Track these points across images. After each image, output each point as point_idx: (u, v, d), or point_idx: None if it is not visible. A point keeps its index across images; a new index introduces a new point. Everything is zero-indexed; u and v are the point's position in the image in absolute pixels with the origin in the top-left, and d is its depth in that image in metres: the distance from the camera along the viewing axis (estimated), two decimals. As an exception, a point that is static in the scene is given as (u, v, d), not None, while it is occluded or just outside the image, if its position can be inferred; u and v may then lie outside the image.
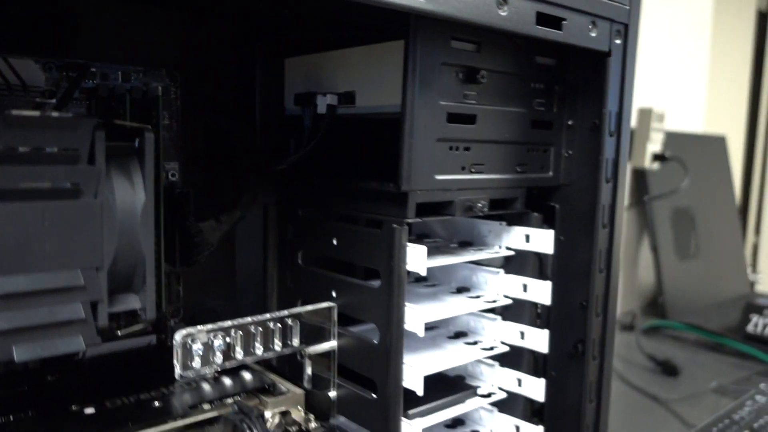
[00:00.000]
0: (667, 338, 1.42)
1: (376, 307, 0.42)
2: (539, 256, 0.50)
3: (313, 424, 0.41)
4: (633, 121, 1.40)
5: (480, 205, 0.44)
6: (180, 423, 0.36)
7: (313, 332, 0.46)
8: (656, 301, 1.51)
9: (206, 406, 0.38)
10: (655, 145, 1.38)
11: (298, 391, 0.42)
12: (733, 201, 1.84)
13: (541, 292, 0.48)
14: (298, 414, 0.41)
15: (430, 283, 0.55)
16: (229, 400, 0.39)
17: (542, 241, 0.48)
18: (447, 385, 0.51)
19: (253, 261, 0.52)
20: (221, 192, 0.48)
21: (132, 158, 0.33)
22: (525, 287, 0.49)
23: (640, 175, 1.54)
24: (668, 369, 1.20)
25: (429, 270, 0.56)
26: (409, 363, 0.41)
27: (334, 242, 0.46)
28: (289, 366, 0.46)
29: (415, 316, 0.40)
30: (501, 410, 0.52)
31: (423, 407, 0.45)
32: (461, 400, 0.49)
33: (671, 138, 1.53)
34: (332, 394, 0.46)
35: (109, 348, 0.44)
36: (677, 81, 1.77)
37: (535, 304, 0.50)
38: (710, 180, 1.76)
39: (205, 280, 0.51)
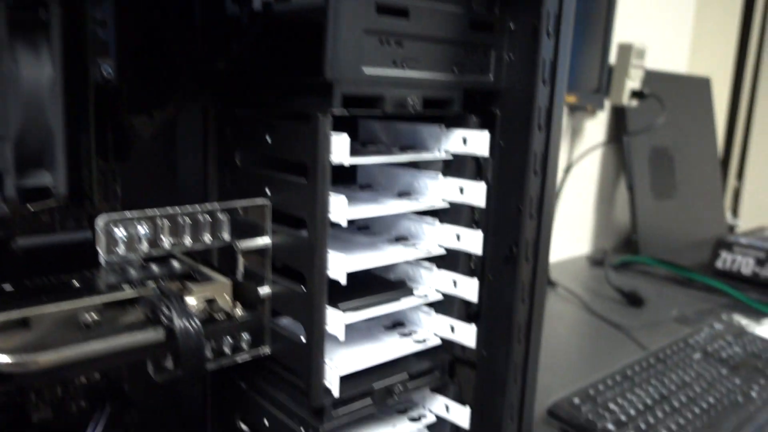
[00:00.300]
0: (637, 273, 1.44)
1: (303, 201, 0.42)
2: (477, 160, 0.50)
3: (239, 312, 0.42)
4: (612, 57, 1.38)
5: (411, 102, 0.44)
6: (97, 300, 0.37)
7: (248, 229, 0.47)
8: (631, 239, 1.53)
9: (126, 287, 0.39)
10: (634, 82, 1.37)
11: (225, 279, 0.43)
12: (714, 144, 1.83)
13: (477, 194, 0.49)
14: (225, 302, 0.42)
15: (370, 189, 0.55)
16: (152, 284, 0.40)
17: (479, 143, 0.48)
18: (386, 286, 0.52)
19: (194, 164, 0.52)
20: (156, 89, 0.47)
21: (40, 33, 0.33)
22: (462, 190, 0.50)
23: (619, 113, 1.53)
24: (634, 300, 1.22)
25: (371, 177, 0.57)
26: (336, 256, 0.42)
27: (268, 140, 0.46)
28: (225, 262, 0.47)
29: (339, 206, 0.40)
30: (438, 311, 0.53)
31: (355, 301, 0.47)
32: (395, 298, 0.50)
33: (653, 77, 1.52)
34: (266, 290, 0.47)
35: (42, 241, 0.44)
36: (662, 18, 1.74)
37: (471, 208, 0.51)
38: (692, 122, 1.76)
39: (145, 183, 0.51)
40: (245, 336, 0.47)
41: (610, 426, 0.71)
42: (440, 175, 0.51)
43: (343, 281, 0.41)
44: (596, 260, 1.50)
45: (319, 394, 0.43)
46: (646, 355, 0.90)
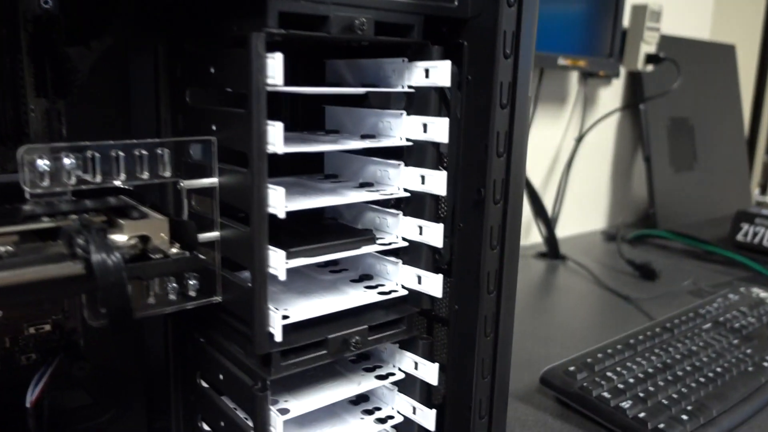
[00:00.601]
0: (653, 248, 1.38)
1: (242, 132, 0.39)
2: (443, 96, 0.46)
3: (174, 250, 0.39)
4: (625, 20, 1.32)
5: (359, 23, 0.40)
6: (9, 230, 0.34)
7: (194, 168, 0.44)
8: (648, 214, 1.47)
9: (46, 219, 0.36)
10: (649, 45, 1.31)
11: (161, 216, 0.40)
12: (739, 116, 1.75)
13: (440, 130, 0.45)
14: (161, 241, 0.40)
15: (336, 133, 0.52)
16: (75, 217, 0.37)
17: (440, 74, 0.45)
18: (349, 234, 0.48)
19: (147, 105, 0.49)
20: (92, 18, 0.45)
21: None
22: (425, 127, 0.46)
23: (634, 79, 1.47)
24: (646, 273, 1.17)
25: (337, 124, 0.54)
26: (277, 191, 0.39)
27: (212, 71, 0.43)
28: (172, 203, 0.44)
29: (277, 133, 0.37)
30: (406, 263, 0.50)
31: (306, 246, 0.43)
32: (354, 245, 0.46)
33: (671, 43, 1.45)
34: (215, 234, 0.44)
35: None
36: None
37: (437, 149, 0.47)
38: (714, 91, 1.68)
39: (95, 125, 0.49)
40: (192, 282, 0.44)
41: (606, 394, 0.67)
42: (404, 114, 0.47)
43: (281, 215, 0.38)
44: (611, 235, 1.45)
45: (263, 340, 0.40)
46: (652, 325, 0.86)
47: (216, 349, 0.48)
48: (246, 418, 0.46)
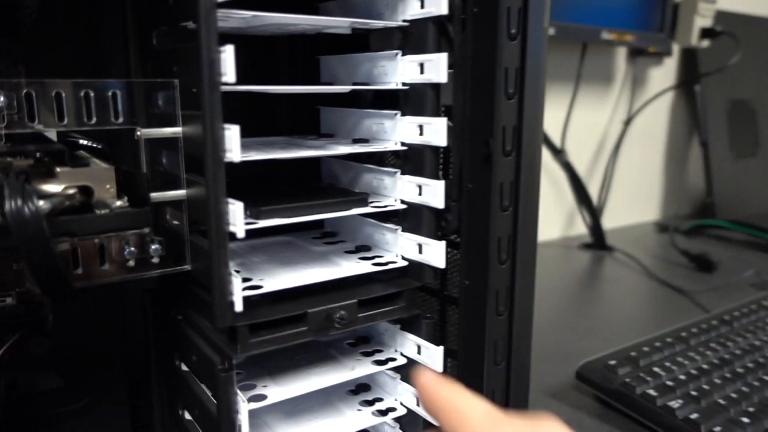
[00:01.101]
0: (711, 239, 1.27)
1: (192, 64, 0.33)
2: (440, 27, 0.39)
3: (118, 203, 0.34)
4: (678, -10, 1.22)
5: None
6: None
7: (160, 118, 0.38)
8: (706, 203, 1.35)
9: (-38, 162, 0.32)
10: (704, 19, 1.20)
11: (105, 165, 0.34)
12: (808, 96, 1.60)
13: (437, 68, 0.38)
14: (106, 192, 0.34)
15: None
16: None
17: (437, 2, 0.38)
18: (338, 196, 0.42)
19: (115, 49, 0.44)
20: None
21: None
22: (422, 67, 0.39)
23: (689, 57, 1.36)
24: (703, 265, 1.06)
25: (327, 69, 0.47)
26: (233, 131, 0.33)
27: (170, 2, 0.37)
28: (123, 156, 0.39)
29: (228, 60, 0.31)
30: (407, 230, 0.43)
31: (283, 205, 0.37)
32: (343, 207, 0.40)
33: (730, 19, 1.33)
34: (180, 192, 0.38)
35: None
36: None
37: (435, 88, 0.40)
38: (780, 71, 1.54)
39: (61, 67, 0.44)
40: (155, 247, 0.39)
41: (651, 391, 0.58)
42: (398, 55, 0.41)
43: (236, 159, 0.32)
44: (663, 226, 1.34)
45: (223, 310, 0.34)
46: (708, 317, 0.76)
47: (190, 326, 0.43)
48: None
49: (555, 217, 1.24)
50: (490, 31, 0.37)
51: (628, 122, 1.27)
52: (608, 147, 1.29)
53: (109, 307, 0.49)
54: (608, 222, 1.27)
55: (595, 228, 1.17)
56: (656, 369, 0.62)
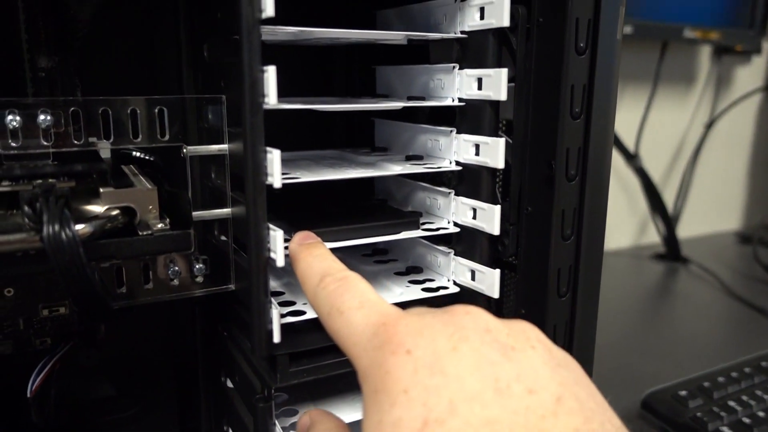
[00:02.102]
0: (801, 254, 1.17)
1: (237, 81, 0.31)
2: (501, 39, 0.37)
3: (160, 225, 0.33)
4: (771, -17, 1.12)
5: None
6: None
7: (210, 134, 0.38)
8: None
9: (5, 183, 0.31)
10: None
11: (149, 186, 0.34)
12: None
13: (497, 85, 0.36)
14: (148, 213, 0.33)
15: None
16: (41, 181, 0.32)
17: (498, 12, 0.35)
18: (389, 216, 0.40)
19: (169, 62, 0.43)
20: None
21: None
22: (480, 82, 0.37)
23: (781, 55, 1.25)
24: (790, 282, 0.98)
25: (383, 79, 0.45)
26: (274, 154, 0.31)
27: (219, 16, 0.36)
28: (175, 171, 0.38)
29: (270, 81, 0.29)
30: (458, 254, 0.40)
31: (328, 228, 0.36)
32: (392, 230, 0.38)
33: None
34: (225, 210, 0.37)
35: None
36: None
37: (494, 106, 0.37)
38: None
39: (115, 82, 0.44)
40: (199, 266, 0.38)
41: (726, 429, 0.54)
42: (455, 68, 0.38)
43: (277, 184, 0.31)
44: (746, 237, 1.25)
45: (261, 339, 0.33)
46: (795, 345, 0.70)
47: (234, 345, 0.42)
48: None
49: (626, 225, 1.18)
50: (555, 43, 0.34)
51: (710, 125, 1.19)
52: (687, 152, 1.21)
53: (159, 318, 0.49)
54: (684, 231, 1.20)
55: (670, 237, 1.11)
56: (732, 403, 0.57)
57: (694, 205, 1.24)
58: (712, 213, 1.30)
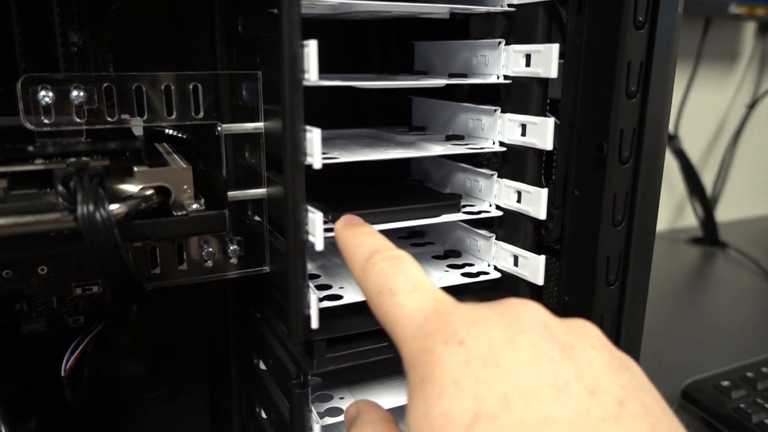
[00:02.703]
0: None
1: (275, 59, 0.30)
2: (551, 12, 0.35)
3: (195, 206, 0.32)
4: (824, -44, 1.07)
5: None
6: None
7: (244, 112, 0.36)
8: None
9: (39, 161, 0.30)
10: None
11: (183, 165, 0.33)
12: None
13: (547, 61, 0.34)
14: (183, 193, 0.32)
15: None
16: (74, 159, 0.31)
17: (552, -16, 0.33)
18: (429, 198, 0.38)
19: (201, 35, 0.42)
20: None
21: None
22: (528, 59, 0.35)
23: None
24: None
25: (423, 57, 0.43)
26: (315, 133, 0.30)
27: (257, -11, 0.34)
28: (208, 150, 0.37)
29: (311, 55, 0.28)
30: (502, 239, 0.39)
31: (366, 210, 0.34)
32: (433, 213, 0.36)
33: None
34: (261, 190, 0.36)
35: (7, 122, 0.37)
36: None
37: (542, 83, 0.36)
38: None
39: (147, 55, 0.43)
40: (233, 248, 0.37)
41: (771, 421, 0.52)
42: (502, 43, 0.36)
43: (317, 165, 0.29)
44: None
45: (299, 325, 0.32)
46: (842, 336, 0.67)
47: (268, 327, 0.41)
48: (292, 415, 0.38)
49: (662, 207, 1.14)
50: (612, 17, 0.32)
51: (752, 105, 1.15)
52: (727, 132, 1.17)
53: (191, 298, 0.48)
54: (722, 214, 1.16)
55: (708, 221, 1.07)
56: (778, 395, 0.55)
57: (733, 188, 1.20)
58: (751, 196, 1.26)
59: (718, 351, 0.69)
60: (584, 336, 0.22)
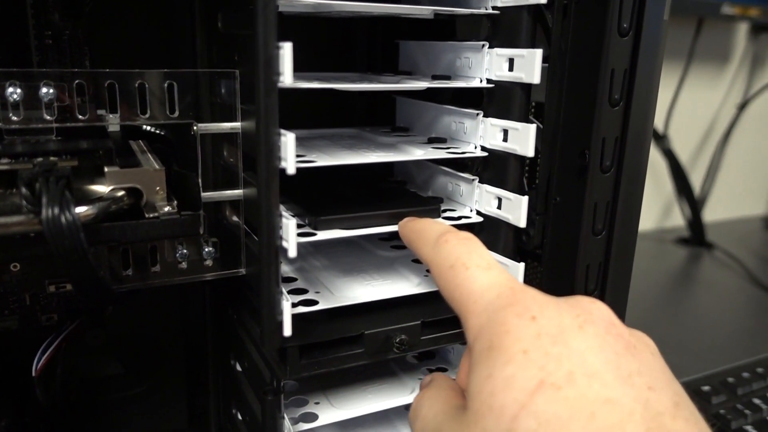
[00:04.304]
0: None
1: (250, 56, 0.29)
2: (536, 16, 0.34)
3: (167, 208, 0.31)
4: (817, -42, 1.06)
5: None
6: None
7: (222, 111, 0.36)
8: (826, 200, 1.21)
9: (5, 161, 0.29)
10: None
11: (156, 166, 0.32)
12: None
13: (530, 66, 0.33)
14: (155, 195, 0.31)
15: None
16: (42, 159, 0.30)
17: (536, -12, 0.32)
18: (408, 203, 0.38)
19: (182, 31, 0.41)
20: None
21: None
22: (511, 63, 0.34)
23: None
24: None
25: (408, 58, 0.43)
26: (289, 137, 0.29)
27: (235, -16, 0.33)
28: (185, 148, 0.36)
29: (286, 57, 0.27)
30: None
31: (345, 215, 0.34)
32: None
33: None
34: (237, 192, 0.35)
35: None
36: None
37: (525, 89, 0.35)
38: None
39: (126, 51, 0.42)
40: (208, 249, 0.36)
41: (749, 428, 0.52)
42: (485, 47, 0.35)
43: (291, 170, 0.29)
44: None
45: (272, 331, 0.31)
46: (824, 341, 0.67)
47: (244, 330, 0.40)
48: (266, 419, 0.37)
49: (649, 206, 1.15)
50: (596, 23, 0.31)
51: (742, 106, 1.14)
52: (717, 133, 1.17)
53: (168, 297, 0.48)
54: (709, 214, 1.16)
55: (695, 221, 1.07)
56: (756, 401, 0.55)
57: (721, 189, 1.20)
58: (739, 197, 1.26)
59: (700, 354, 0.69)
60: (644, 343, 0.24)
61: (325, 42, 0.48)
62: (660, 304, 0.84)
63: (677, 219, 1.13)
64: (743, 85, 1.17)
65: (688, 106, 1.10)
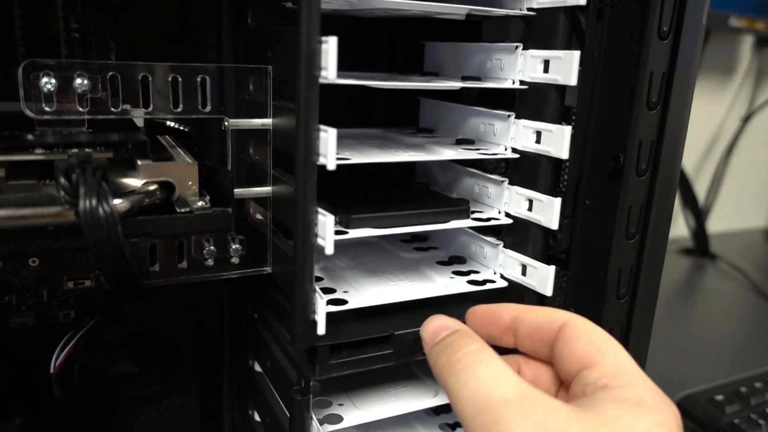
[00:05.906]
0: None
1: (290, 54, 0.29)
2: (572, 18, 0.34)
3: (200, 203, 0.31)
4: (824, -27, 1.07)
5: None
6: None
7: (251, 107, 0.35)
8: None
9: (39, 151, 0.29)
10: None
11: (189, 160, 0.31)
12: None
13: (566, 69, 0.33)
14: (188, 189, 0.31)
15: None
16: (77, 150, 0.29)
17: (575, -11, 0.32)
18: (437, 203, 0.38)
19: (208, 27, 0.41)
20: None
21: None
22: (546, 65, 0.34)
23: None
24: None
25: (434, 60, 0.43)
26: (330, 133, 0.29)
27: (270, -20, 0.33)
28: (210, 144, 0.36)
29: (330, 53, 0.27)
30: (509, 246, 0.38)
31: (375, 214, 0.33)
32: (442, 218, 0.36)
33: None
34: (266, 189, 0.35)
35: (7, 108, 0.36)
36: None
37: (560, 91, 0.35)
38: None
39: (152, 49, 0.42)
40: (235, 246, 0.36)
41: (766, 437, 0.52)
42: (519, 48, 0.35)
43: (331, 166, 0.28)
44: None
45: (304, 330, 0.31)
46: (833, 352, 0.67)
47: (267, 329, 0.40)
48: (290, 420, 0.37)
49: (654, 217, 1.15)
50: (636, 26, 0.31)
51: (747, 119, 1.15)
52: (721, 144, 1.18)
53: (186, 295, 0.47)
54: (713, 225, 1.17)
55: (699, 232, 1.08)
56: (771, 411, 0.55)
57: (725, 200, 1.20)
58: (743, 209, 1.26)
59: (708, 364, 0.69)
60: None
61: (347, 42, 0.48)
62: (666, 314, 0.84)
63: (681, 229, 1.13)
64: (748, 98, 1.18)
65: (693, 117, 1.10)
